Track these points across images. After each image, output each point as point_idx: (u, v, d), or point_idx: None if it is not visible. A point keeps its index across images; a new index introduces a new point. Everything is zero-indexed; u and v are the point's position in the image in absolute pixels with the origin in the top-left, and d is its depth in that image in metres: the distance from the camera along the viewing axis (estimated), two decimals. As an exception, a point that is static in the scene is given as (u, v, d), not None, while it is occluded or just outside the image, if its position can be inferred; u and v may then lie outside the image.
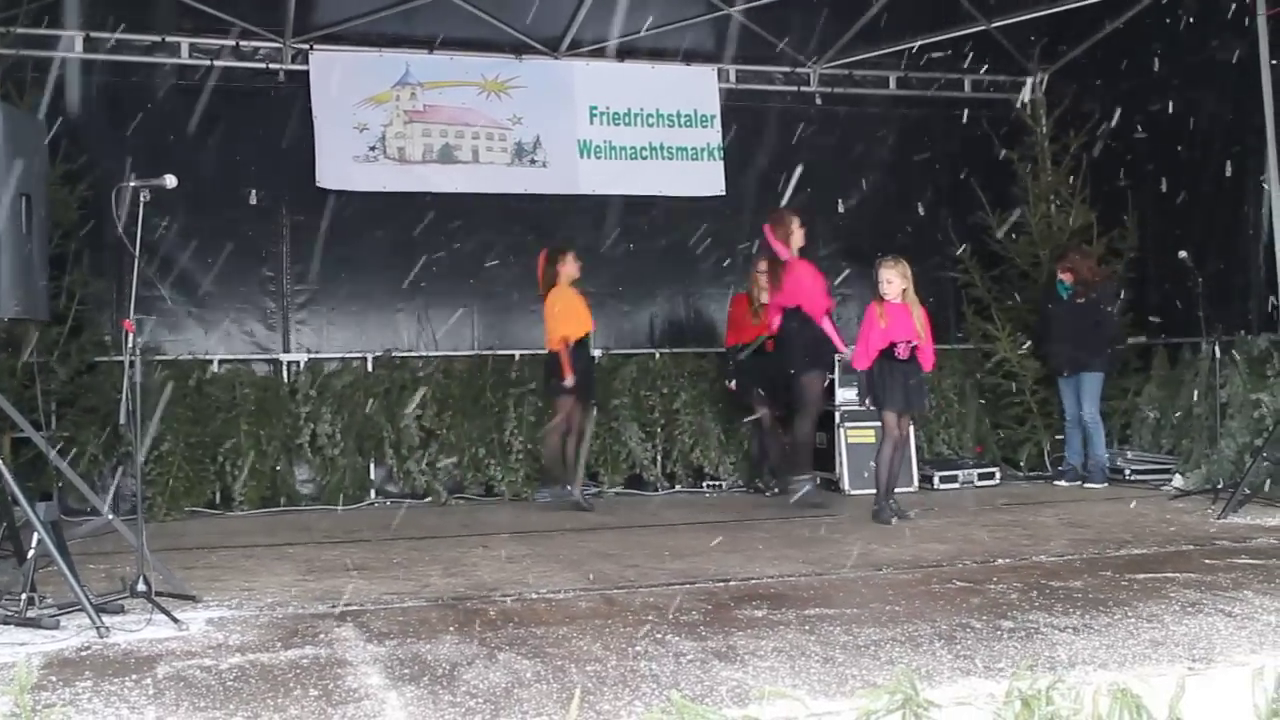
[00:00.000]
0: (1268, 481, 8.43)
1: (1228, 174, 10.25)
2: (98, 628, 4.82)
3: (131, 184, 5.46)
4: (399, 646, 4.57)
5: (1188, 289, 9.56)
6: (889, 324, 8.38)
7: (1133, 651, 4.19)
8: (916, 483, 10.33)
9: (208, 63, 10.38)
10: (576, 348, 9.42)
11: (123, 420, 5.36)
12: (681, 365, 11.02)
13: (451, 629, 4.88)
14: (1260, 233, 9.92)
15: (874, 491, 8.61)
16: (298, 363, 10.47)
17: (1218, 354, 9.34)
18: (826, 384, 9.49)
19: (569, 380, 9.31)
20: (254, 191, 10.50)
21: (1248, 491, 8.02)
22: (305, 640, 4.74)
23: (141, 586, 5.16)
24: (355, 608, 5.44)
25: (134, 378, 5.31)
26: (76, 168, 9.27)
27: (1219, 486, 8.68)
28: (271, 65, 10.63)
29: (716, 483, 10.80)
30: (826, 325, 9.04)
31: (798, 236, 9.04)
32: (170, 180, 5.45)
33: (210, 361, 10.19)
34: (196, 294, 10.36)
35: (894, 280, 8.41)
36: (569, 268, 9.52)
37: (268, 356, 10.50)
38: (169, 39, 10.31)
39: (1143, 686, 3.38)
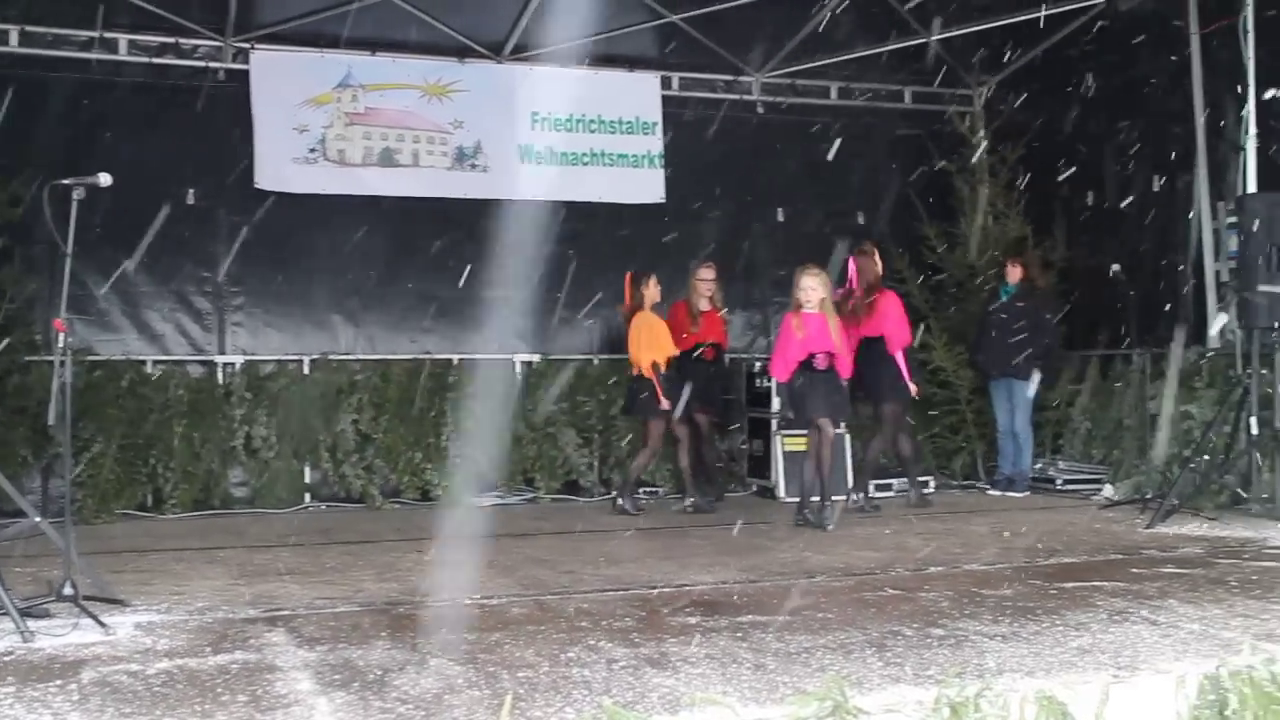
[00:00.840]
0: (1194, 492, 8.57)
1: (1158, 189, 10.41)
2: (22, 632, 4.76)
3: (65, 182, 5.40)
4: (330, 652, 4.54)
5: (1120, 302, 9.69)
6: (806, 335, 8.45)
7: (1060, 659, 4.24)
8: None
9: (146, 60, 10.28)
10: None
11: (52, 421, 5.30)
12: (619, 372, 11.00)
13: (383, 634, 4.86)
14: (1190, 247, 10.08)
15: (815, 500, 8.65)
16: (233, 364, 10.36)
17: (1148, 366, 9.48)
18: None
19: (665, 404, 9.48)
20: (191, 191, 10.37)
21: (1175, 502, 8.14)
22: (235, 645, 4.70)
23: (68, 590, 5.09)
24: (286, 613, 5.41)
25: (64, 378, 5.25)
26: (9, 164, 9.12)
27: (1148, 497, 8.81)
28: (211, 64, 10.51)
29: (653, 489, 10.80)
30: (899, 359, 9.43)
31: (880, 267, 9.69)
32: (104, 178, 5.40)
33: (144, 362, 10.07)
34: (131, 294, 10.23)
35: (816, 289, 8.49)
36: (651, 291, 9.74)
37: (203, 358, 10.39)
38: (107, 35, 10.16)
39: (1068, 694, 3.43)
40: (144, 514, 9.60)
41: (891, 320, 9.47)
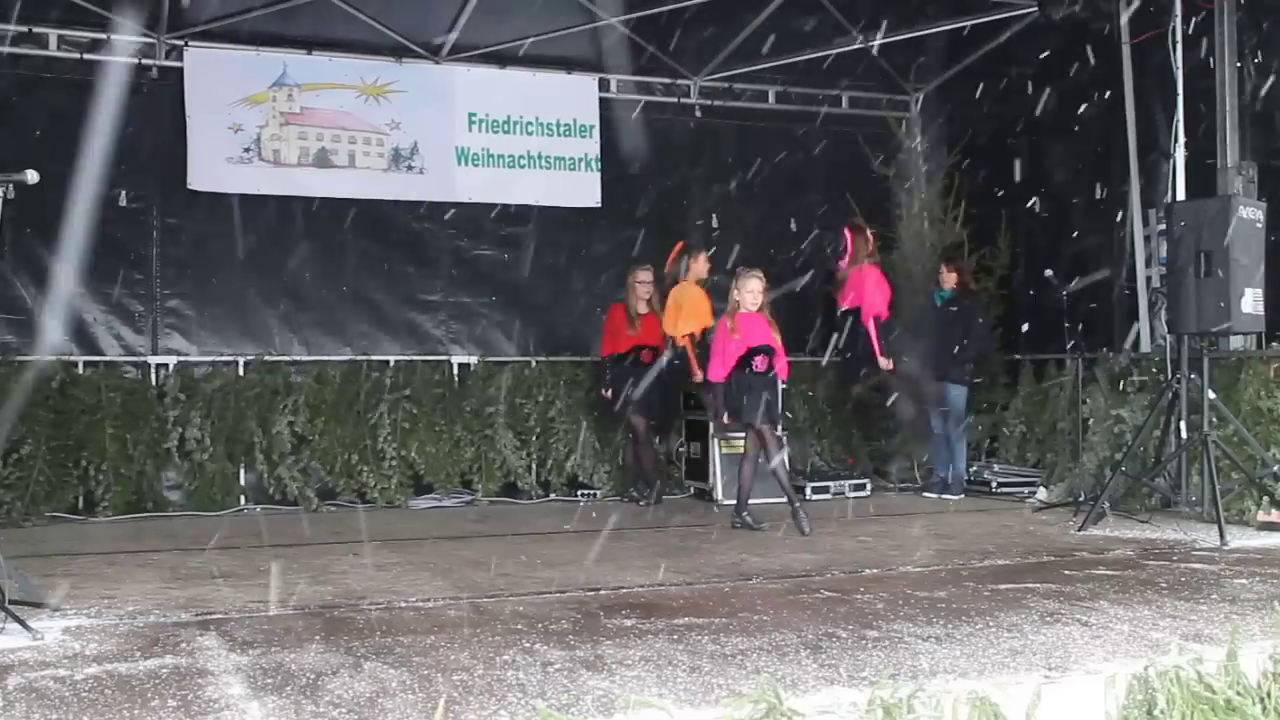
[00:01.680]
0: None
1: (1097, 196, 10.54)
2: (-54, 637, 4.67)
3: (-8, 179, 5.30)
4: (262, 656, 4.49)
5: (1054, 307, 9.79)
6: (742, 335, 8.49)
7: (992, 660, 4.27)
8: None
9: (77, 56, 10.12)
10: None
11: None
12: (557, 374, 11.01)
13: (317, 638, 4.82)
14: (1124, 254, 10.22)
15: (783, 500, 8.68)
16: (166, 365, 10.23)
17: (1081, 370, 9.59)
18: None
19: (697, 376, 9.51)
20: (124, 192, 10.22)
21: (1107, 505, 8.24)
22: (166, 650, 4.64)
23: (-7, 594, 5.01)
24: (219, 616, 5.34)
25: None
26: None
27: (1080, 500, 8.91)
28: (144, 61, 10.37)
29: (591, 492, 10.80)
30: (870, 328, 9.72)
31: (871, 245, 10.04)
32: (32, 176, 5.30)
33: (75, 363, 9.92)
34: (62, 295, 10.06)
35: (758, 290, 8.52)
36: (699, 266, 9.84)
37: (135, 359, 10.25)
38: (36, 30, 10.01)
39: (1001, 695, 3.46)
40: (75, 517, 9.47)
41: (861, 290, 9.64)
